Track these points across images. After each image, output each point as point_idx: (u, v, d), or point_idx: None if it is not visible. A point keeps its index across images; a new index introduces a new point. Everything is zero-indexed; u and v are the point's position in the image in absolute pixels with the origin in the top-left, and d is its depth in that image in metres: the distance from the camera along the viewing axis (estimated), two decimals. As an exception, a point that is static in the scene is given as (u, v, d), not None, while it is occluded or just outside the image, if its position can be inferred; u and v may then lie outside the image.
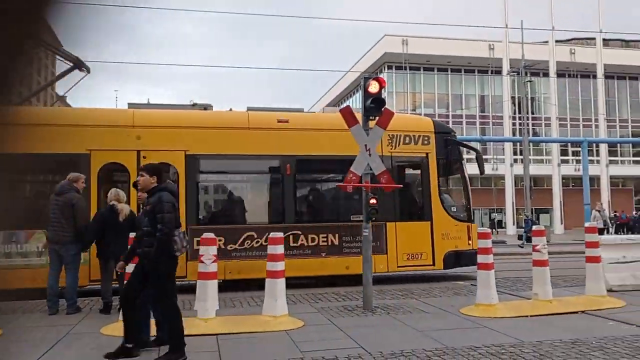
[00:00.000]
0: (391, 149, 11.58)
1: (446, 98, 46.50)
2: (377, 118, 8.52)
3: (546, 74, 43.15)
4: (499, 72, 43.32)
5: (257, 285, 9.23)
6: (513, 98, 43.14)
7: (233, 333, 6.67)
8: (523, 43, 32.52)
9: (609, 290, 9.22)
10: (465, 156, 13.31)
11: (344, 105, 22.43)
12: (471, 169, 13.04)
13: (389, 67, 44.48)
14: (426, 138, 11.86)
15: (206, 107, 11.83)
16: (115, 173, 10.64)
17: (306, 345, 6.11)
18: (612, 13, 76.52)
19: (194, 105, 12.01)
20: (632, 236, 11.10)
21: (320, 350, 5.85)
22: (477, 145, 32.89)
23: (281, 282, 7.22)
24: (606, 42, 45.69)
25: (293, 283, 9.50)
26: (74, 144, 10.04)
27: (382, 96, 8.71)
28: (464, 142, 14.32)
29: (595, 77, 44.80)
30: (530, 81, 36.92)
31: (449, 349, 5.91)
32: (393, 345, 6.05)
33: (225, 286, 10.13)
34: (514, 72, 37.48)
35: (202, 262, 6.81)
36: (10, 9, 0.96)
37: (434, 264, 11.49)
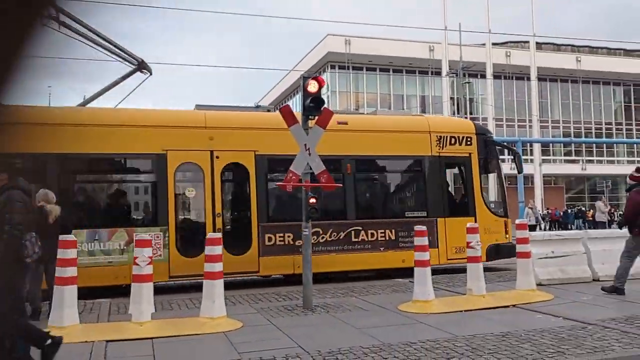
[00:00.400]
0: (439, 149, 12.28)
1: (388, 98, 47.22)
2: (316, 117, 8.56)
3: (483, 76, 44.55)
4: (438, 73, 44.36)
5: (324, 278, 10.16)
6: (452, 99, 44.24)
7: (169, 336, 6.55)
8: (461, 45, 33.44)
9: (539, 285, 9.61)
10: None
11: (285, 104, 22.36)
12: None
13: (332, 67, 44.77)
14: (469, 139, 12.62)
15: (269, 109, 12.54)
16: (190, 172, 10.97)
17: (244, 346, 6.07)
18: (544, 18, 79.78)
19: (258, 107, 12.73)
20: (561, 232, 11.63)
21: (258, 351, 5.83)
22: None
23: (219, 283, 7.14)
24: (539, 46, 47.53)
25: (354, 276, 10.11)
26: (151, 144, 10.38)
27: (322, 95, 8.76)
28: (501, 143, 15.64)
29: (529, 79, 46.58)
30: (468, 82, 38.01)
31: (385, 345, 6.01)
32: (331, 344, 6.09)
33: (169, 287, 9.94)
34: (453, 73, 38.50)
35: (136, 264, 6.65)
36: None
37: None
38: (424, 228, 8.40)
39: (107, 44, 11.24)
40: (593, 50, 51.44)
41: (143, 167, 10.69)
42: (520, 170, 14.00)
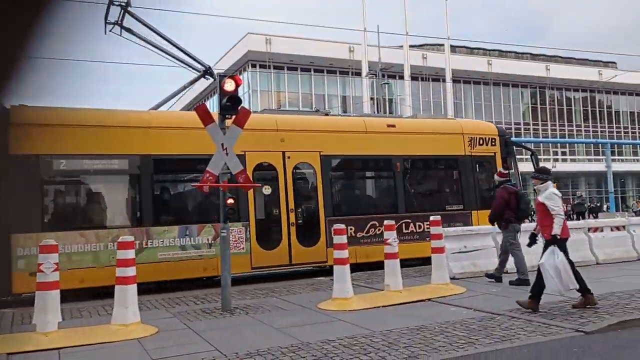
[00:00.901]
0: (470, 149, 13.87)
1: (310, 98, 47.43)
2: (234, 117, 8.45)
3: (402, 77, 45.68)
4: (359, 73, 45.06)
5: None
6: (372, 99, 45.06)
7: (78, 345, 6.25)
8: (380, 47, 34.12)
9: (452, 278, 9.98)
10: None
11: (201, 103, 22.00)
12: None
13: (253, 66, 44.40)
14: (493, 140, 14.20)
15: (327, 113, 13.98)
16: (266, 171, 11.83)
17: (158, 352, 5.89)
18: (458, 22, 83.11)
19: (317, 112, 14.44)
20: (472, 227, 12.10)
21: (173, 357, 5.69)
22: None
23: (132, 289, 6.89)
24: (453, 49, 49.35)
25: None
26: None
27: (241, 95, 8.66)
28: (518, 143, 17.78)
29: (444, 80, 48.25)
30: (387, 83, 38.86)
31: (304, 344, 6.03)
32: (250, 345, 6.04)
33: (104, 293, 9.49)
34: (372, 74, 39.23)
35: (41, 271, 6.29)
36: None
37: None
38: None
39: (177, 50, 11.75)
40: (502, 53, 53.98)
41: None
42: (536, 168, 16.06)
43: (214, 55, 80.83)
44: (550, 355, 5.45)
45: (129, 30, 11.30)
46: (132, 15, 11.09)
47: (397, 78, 46.03)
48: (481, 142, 14.04)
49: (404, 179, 13.30)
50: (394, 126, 13.36)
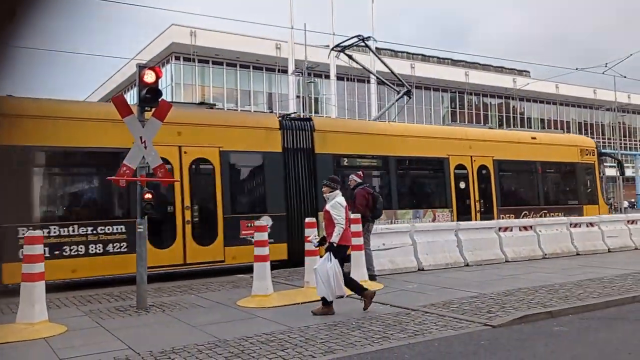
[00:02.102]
0: (581, 158, 18.01)
1: (235, 93, 46.92)
2: (153, 109, 8.22)
3: (327, 76, 46.12)
4: (285, 71, 45.04)
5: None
6: (299, 97, 45.17)
7: (-22, 346, 5.89)
8: (306, 45, 34.26)
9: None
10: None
11: (118, 94, 21.20)
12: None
13: (177, 58, 43.34)
14: (593, 151, 18.58)
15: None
16: (459, 170, 15.40)
17: (67, 351, 5.65)
18: (383, 25, 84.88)
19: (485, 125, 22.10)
20: (391, 226, 12.43)
21: (82, 356, 5.48)
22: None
23: (40, 286, 6.55)
24: (379, 51, 50.41)
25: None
26: (440, 150, 15.22)
27: (161, 87, 8.43)
28: (609, 153, 22.87)
29: (369, 82, 49.17)
30: (312, 82, 39.09)
31: (221, 341, 5.97)
32: (165, 343, 5.91)
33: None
34: (298, 72, 39.34)
35: None
36: None
37: None
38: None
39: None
40: (425, 58, 55.69)
41: (436, 166, 15.22)
42: (622, 173, 23.38)
43: (137, 46, 78.15)
44: (460, 347, 5.69)
45: (350, 56, 16.40)
46: (369, 47, 16.69)
47: (323, 77, 46.45)
48: (587, 152, 18.29)
49: (542, 179, 17.41)
50: (535, 138, 17.73)
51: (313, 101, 43.58)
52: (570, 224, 14.33)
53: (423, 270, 11.36)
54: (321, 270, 7.28)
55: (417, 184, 15.54)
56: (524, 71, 59.32)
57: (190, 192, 11.44)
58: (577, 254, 13.77)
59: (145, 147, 7.98)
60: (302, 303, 8.13)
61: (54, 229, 9.94)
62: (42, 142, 10.13)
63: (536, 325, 6.64)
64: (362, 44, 16.31)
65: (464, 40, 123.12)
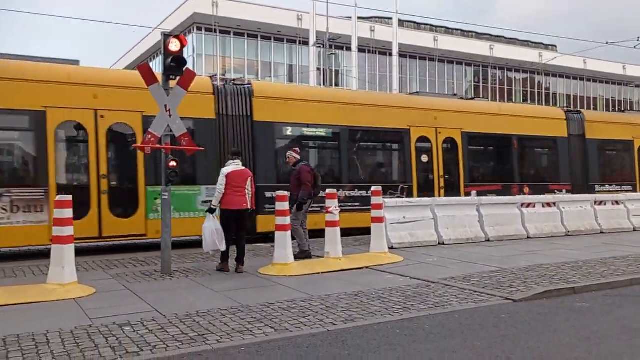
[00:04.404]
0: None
1: (256, 65, 46.75)
2: (178, 78, 8.25)
3: (349, 49, 45.63)
4: (306, 43, 44.67)
5: None
6: (319, 69, 44.89)
7: (12, 304, 6.09)
8: (328, 17, 33.88)
9: (391, 248, 10.25)
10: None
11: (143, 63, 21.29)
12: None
13: (199, 29, 43.21)
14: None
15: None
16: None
17: (96, 312, 5.82)
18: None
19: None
20: (412, 199, 12.40)
21: (111, 317, 5.63)
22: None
23: (69, 248, 6.71)
24: (401, 23, 49.60)
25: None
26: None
27: (186, 57, 8.43)
28: None
29: (391, 54, 48.59)
30: (333, 54, 38.76)
31: (243, 306, 6.09)
32: (189, 307, 6.05)
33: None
34: (320, 44, 39.00)
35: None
36: None
37: None
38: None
39: None
40: (449, 31, 54.75)
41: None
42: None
43: (159, 16, 77.97)
44: (480, 319, 5.72)
45: None
46: None
47: (345, 49, 45.99)
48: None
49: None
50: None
51: (334, 74, 43.26)
52: (595, 202, 14.16)
53: (443, 244, 11.37)
54: (205, 228, 8.28)
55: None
56: (551, 45, 58.05)
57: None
58: (601, 232, 13.63)
59: (170, 116, 8.04)
60: (322, 273, 8.23)
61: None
62: None
63: (558, 301, 6.64)
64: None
65: (487, 11, 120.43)
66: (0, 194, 9.78)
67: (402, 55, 49.59)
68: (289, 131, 12.94)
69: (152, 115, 10.48)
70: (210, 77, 13.18)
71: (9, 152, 10.73)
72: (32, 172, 10.48)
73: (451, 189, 14.69)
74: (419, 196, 13.52)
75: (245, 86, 12.73)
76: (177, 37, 8.14)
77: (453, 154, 15.00)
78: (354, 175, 13.71)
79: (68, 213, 6.69)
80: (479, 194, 14.10)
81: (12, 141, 10.56)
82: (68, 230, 6.67)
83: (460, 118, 15.18)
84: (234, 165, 8.56)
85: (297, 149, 10.27)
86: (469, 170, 15.24)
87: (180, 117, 9.79)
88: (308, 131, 13.17)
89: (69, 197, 6.82)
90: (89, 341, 4.80)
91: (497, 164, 16.81)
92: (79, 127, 10.65)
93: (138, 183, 10.91)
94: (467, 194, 14.53)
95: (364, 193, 12.95)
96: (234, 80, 13.45)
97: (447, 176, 14.79)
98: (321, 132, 13.32)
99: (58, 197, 6.80)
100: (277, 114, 12.59)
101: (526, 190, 15.92)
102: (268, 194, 11.75)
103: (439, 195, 14.12)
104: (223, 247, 8.29)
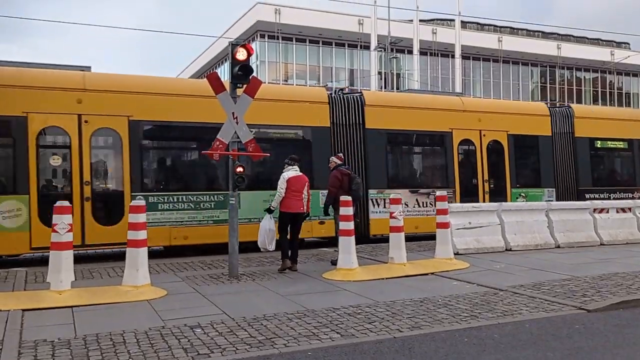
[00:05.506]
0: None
1: (317, 70, 47.14)
2: (245, 86, 8.45)
3: (410, 52, 45.25)
4: (367, 47, 44.64)
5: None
6: (380, 73, 44.70)
7: (90, 305, 6.40)
8: (390, 20, 33.73)
9: (456, 254, 10.08)
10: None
11: (212, 71, 21.84)
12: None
13: (262, 36, 44.03)
14: None
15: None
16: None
17: (168, 313, 6.03)
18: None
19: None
20: (478, 204, 12.13)
21: (182, 318, 5.82)
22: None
23: (143, 252, 7.00)
24: (464, 25, 48.72)
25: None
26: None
27: (250, 64, 8.63)
28: None
29: (453, 56, 47.80)
30: (395, 57, 38.51)
31: (309, 311, 6.15)
32: (256, 310, 6.17)
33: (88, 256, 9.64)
34: (381, 48, 38.89)
35: (55, 231, 6.40)
36: None
37: None
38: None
39: None
40: (514, 31, 53.30)
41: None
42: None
43: (222, 25, 79.85)
44: (552, 330, 5.54)
45: None
46: None
47: (406, 53, 45.62)
48: None
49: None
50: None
51: (395, 77, 42.97)
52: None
53: (511, 250, 11.08)
54: (262, 225, 8.82)
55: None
56: (623, 43, 55.46)
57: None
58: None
59: (237, 123, 8.24)
60: (387, 278, 8.19)
61: None
62: None
63: (636, 312, 6.34)
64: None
65: (548, 10, 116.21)
66: None
67: (464, 57, 48.73)
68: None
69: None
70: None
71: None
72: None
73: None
74: (461, 202, 13.17)
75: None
76: (243, 45, 8.35)
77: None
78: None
79: (142, 218, 6.97)
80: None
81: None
82: (142, 234, 6.95)
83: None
84: (293, 171, 8.98)
85: (340, 154, 10.29)
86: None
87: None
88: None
89: (143, 202, 7.12)
90: (162, 342, 4.99)
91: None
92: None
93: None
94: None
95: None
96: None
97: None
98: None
99: (133, 202, 7.11)
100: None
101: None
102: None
103: (483, 201, 13.71)
104: (272, 248, 8.82)
